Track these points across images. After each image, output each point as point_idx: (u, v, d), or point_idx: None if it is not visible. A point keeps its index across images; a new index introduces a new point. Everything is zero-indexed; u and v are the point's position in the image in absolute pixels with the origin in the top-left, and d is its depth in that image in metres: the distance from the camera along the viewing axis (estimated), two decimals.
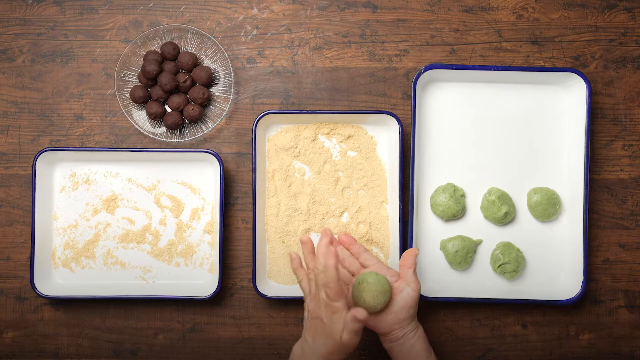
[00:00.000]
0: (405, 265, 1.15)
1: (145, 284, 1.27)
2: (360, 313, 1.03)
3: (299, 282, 1.12)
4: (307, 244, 1.12)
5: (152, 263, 1.27)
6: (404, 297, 1.13)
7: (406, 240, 1.25)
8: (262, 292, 1.23)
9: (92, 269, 1.27)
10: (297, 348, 1.11)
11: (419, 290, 1.14)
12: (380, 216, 1.27)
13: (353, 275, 1.17)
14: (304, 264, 1.15)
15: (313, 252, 1.11)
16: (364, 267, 1.17)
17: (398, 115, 1.25)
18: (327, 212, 1.28)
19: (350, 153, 1.28)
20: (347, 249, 1.19)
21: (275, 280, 1.27)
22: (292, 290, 1.26)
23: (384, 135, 1.28)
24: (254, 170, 1.24)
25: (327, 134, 1.28)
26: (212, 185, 1.28)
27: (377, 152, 1.28)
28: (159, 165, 1.28)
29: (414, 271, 1.14)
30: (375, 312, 1.13)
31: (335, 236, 1.23)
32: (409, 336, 1.14)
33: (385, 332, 1.14)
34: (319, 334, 1.06)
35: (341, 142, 1.28)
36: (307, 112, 1.24)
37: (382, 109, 1.29)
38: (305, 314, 1.11)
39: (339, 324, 1.04)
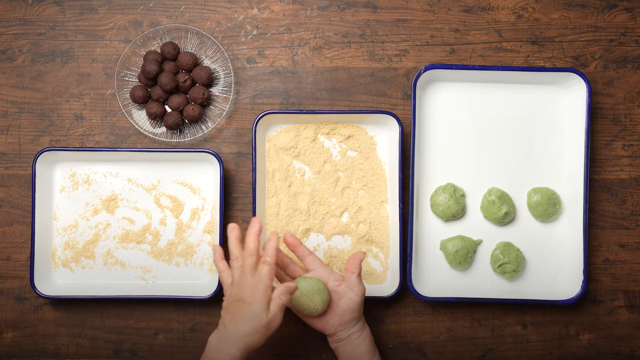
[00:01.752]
0: (349, 270, 1.16)
1: (145, 283, 1.27)
2: (290, 285, 1.08)
3: (220, 273, 1.12)
4: (234, 230, 1.13)
5: (152, 263, 1.27)
6: (347, 301, 1.15)
7: (406, 240, 1.25)
8: None
9: (92, 269, 1.27)
10: (213, 338, 1.10)
11: (363, 294, 1.16)
12: (380, 216, 1.27)
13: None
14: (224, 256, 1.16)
15: (239, 240, 1.12)
16: (307, 270, 1.19)
17: (398, 115, 1.25)
18: (327, 212, 1.28)
19: (350, 153, 1.28)
20: (292, 251, 1.20)
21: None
22: None
23: (384, 135, 1.28)
24: (254, 170, 1.24)
25: (327, 134, 1.28)
26: (212, 185, 1.28)
27: (377, 152, 1.28)
28: (159, 165, 1.28)
29: (358, 275, 1.16)
30: (320, 315, 1.16)
31: (281, 235, 1.25)
32: (353, 337, 1.16)
33: (331, 333, 1.17)
34: (241, 316, 1.07)
35: (341, 142, 1.28)
36: (307, 112, 1.24)
37: (382, 109, 1.29)
38: (225, 302, 1.11)
39: (263, 302, 1.07)
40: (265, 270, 1.09)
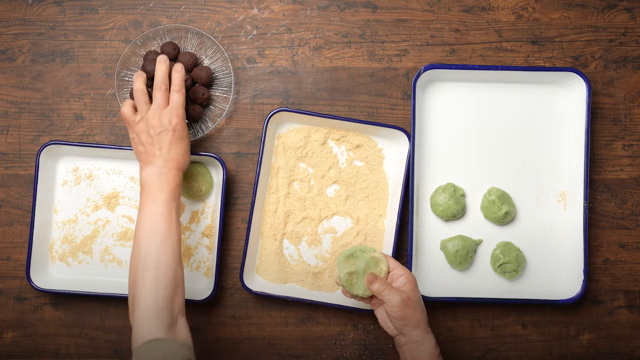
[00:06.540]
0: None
1: None
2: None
3: (139, 105, 1.17)
4: (166, 62, 1.19)
5: None
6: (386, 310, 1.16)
7: (404, 246, 1.25)
8: (248, 285, 1.22)
9: (89, 265, 1.27)
10: (150, 169, 1.14)
11: (394, 304, 1.12)
12: (377, 229, 1.27)
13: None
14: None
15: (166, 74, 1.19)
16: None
17: (398, 115, 1.25)
18: (325, 217, 1.27)
19: (356, 162, 1.28)
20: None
21: (263, 276, 1.26)
22: (277, 288, 1.25)
23: (393, 149, 1.27)
24: (259, 163, 1.23)
25: (337, 140, 1.27)
26: (213, 188, 1.27)
27: (384, 166, 1.27)
28: None
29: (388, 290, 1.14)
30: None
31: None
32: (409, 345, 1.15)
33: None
34: (170, 141, 1.15)
35: (350, 150, 1.27)
36: (321, 116, 1.23)
37: (385, 113, 1.29)
38: (143, 137, 1.16)
39: (183, 125, 1.16)
40: (178, 98, 1.16)
